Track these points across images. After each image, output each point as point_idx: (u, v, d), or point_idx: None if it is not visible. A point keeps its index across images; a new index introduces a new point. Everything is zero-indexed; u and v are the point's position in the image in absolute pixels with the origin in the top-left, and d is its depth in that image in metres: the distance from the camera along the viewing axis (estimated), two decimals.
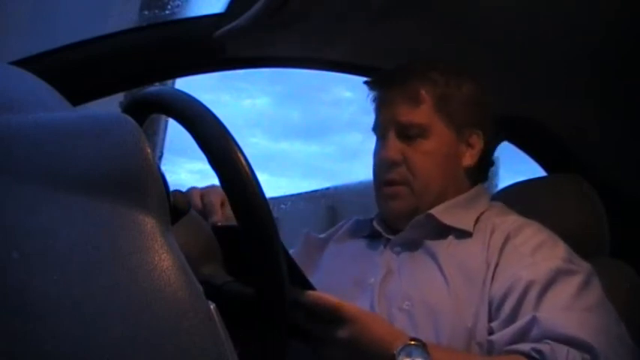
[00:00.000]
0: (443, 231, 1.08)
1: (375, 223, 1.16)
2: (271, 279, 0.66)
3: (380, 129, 1.15)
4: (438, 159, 1.11)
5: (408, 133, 1.10)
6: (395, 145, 1.10)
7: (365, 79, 1.28)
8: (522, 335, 0.90)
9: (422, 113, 1.10)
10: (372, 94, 1.19)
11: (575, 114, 1.47)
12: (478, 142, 1.14)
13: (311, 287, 0.83)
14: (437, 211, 1.08)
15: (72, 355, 0.38)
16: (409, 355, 0.81)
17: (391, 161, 1.10)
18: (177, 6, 1.72)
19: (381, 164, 1.12)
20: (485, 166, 1.19)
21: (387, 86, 1.15)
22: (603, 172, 1.49)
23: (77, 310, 0.38)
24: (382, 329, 0.85)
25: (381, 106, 1.16)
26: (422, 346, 0.81)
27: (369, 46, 1.38)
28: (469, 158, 1.14)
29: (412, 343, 0.82)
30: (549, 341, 0.87)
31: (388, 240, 1.13)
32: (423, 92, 1.11)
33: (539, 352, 0.86)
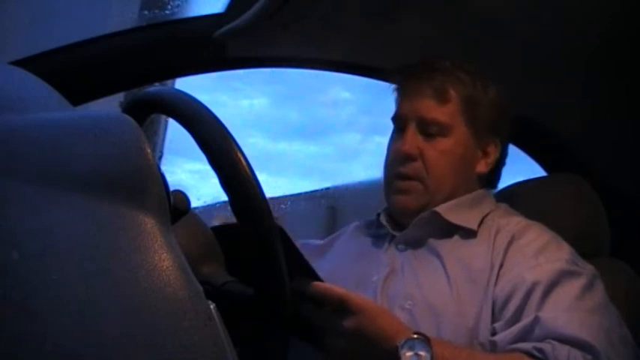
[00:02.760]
0: (448, 230, 1.08)
1: (381, 218, 1.16)
2: (272, 279, 0.66)
3: (400, 120, 1.13)
4: (454, 159, 1.10)
5: (429, 130, 1.09)
6: (413, 139, 1.09)
7: (365, 78, 1.28)
8: (525, 335, 0.90)
9: (447, 112, 1.09)
10: (394, 85, 1.17)
11: (575, 114, 1.47)
12: (494, 151, 1.14)
13: (318, 278, 0.83)
14: (442, 209, 1.08)
15: (72, 355, 0.37)
16: (412, 348, 0.81)
17: (407, 155, 1.09)
18: (177, 6, 1.72)
19: (397, 157, 1.11)
20: (496, 175, 1.18)
21: (414, 79, 1.13)
22: (603, 172, 1.49)
23: (77, 310, 0.38)
24: (387, 322, 0.85)
25: (405, 97, 1.14)
26: (425, 340, 0.82)
27: (369, 46, 1.38)
28: (484, 165, 1.14)
29: (415, 337, 0.82)
30: (551, 341, 0.87)
31: (393, 237, 1.13)
32: (451, 91, 1.10)
33: (540, 350, 0.86)
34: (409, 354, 0.81)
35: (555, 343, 0.87)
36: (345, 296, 0.82)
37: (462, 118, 1.10)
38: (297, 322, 0.75)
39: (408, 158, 1.09)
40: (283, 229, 0.76)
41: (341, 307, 0.82)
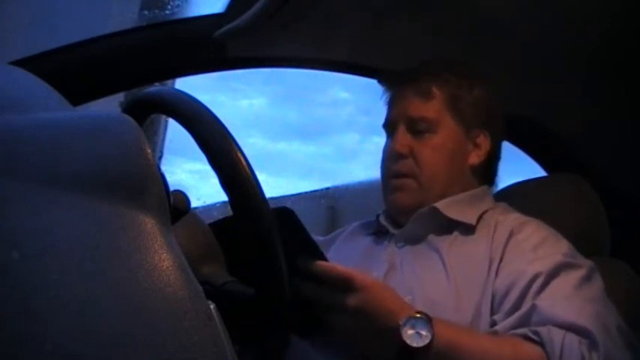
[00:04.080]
0: (447, 226, 1.09)
1: (381, 219, 1.17)
2: (272, 279, 0.66)
3: (390, 124, 1.17)
4: (445, 154, 1.12)
5: (418, 128, 1.12)
6: (404, 138, 1.12)
7: (366, 79, 1.27)
8: (523, 322, 0.91)
9: (432, 108, 1.12)
10: (385, 95, 1.21)
11: (575, 114, 1.47)
12: (485, 142, 1.15)
13: (323, 258, 0.84)
14: (441, 205, 1.09)
15: (72, 355, 0.37)
16: (413, 327, 0.82)
17: (399, 154, 1.12)
18: (177, 6, 1.72)
19: (390, 156, 1.14)
20: (492, 168, 1.19)
21: (400, 83, 1.18)
22: (603, 172, 1.49)
23: (77, 310, 0.38)
24: (390, 300, 0.85)
25: (393, 102, 1.18)
26: (427, 319, 0.82)
27: (369, 46, 1.38)
28: (475, 157, 1.15)
29: (418, 315, 0.83)
30: (548, 326, 0.88)
31: (393, 235, 1.14)
32: (434, 88, 1.13)
33: (535, 333, 0.88)
34: (410, 332, 0.82)
35: (552, 327, 0.87)
36: (349, 274, 0.83)
37: (448, 113, 1.13)
38: (300, 304, 0.75)
39: (400, 156, 1.12)
40: (291, 209, 0.76)
41: (345, 285, 0.82)
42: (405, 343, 0.81)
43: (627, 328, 0.94)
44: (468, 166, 1.15)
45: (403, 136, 1.12)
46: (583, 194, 1.28)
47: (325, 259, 0.84)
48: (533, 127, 1.56)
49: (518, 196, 1.28)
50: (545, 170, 1.62)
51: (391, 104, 1.18)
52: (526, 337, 0.88)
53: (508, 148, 1.59)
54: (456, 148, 1.13)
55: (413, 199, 1.12)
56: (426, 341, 0.81)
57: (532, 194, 1.32)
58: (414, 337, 0.81)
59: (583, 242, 1.11)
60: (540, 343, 0.87)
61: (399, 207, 1.14)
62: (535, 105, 1.50)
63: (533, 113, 1.53)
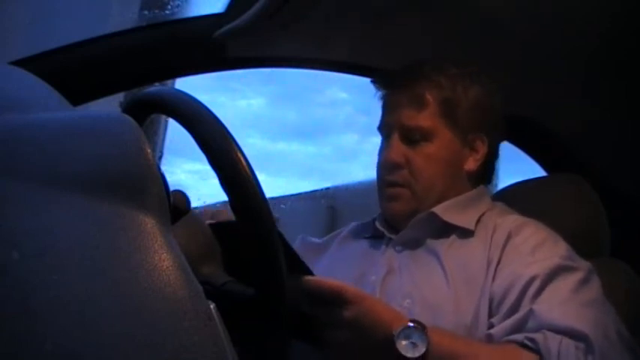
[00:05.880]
0: (445, 230, 1.08)
1: (377, 223, 1.17)
2: (271, 279, 0.66)
3: (385, 129, 1.16)
4: (441, 163, 1.11)
5: (412, 137, 1.11)
6: (398, 147, 1.11)
7: (364, 79, 1.27)
8: (519, 327, 0.91)
9: (426, 117, 1.10)
10: (379, 93, 1.19)
11: (575, 114, 1.47)
12: (482, 147, 1.14)
13: (310, 273, 0.84)
14: (439, 210, 1.09)
15: (72, 355, 0.37)
16: (408, 337, 0.82)
17: (394, 163, 1.11)
18: (177, 6, 1.72)
19: (384, 166, 1.14)
20: (489, 170, 1.19)
21: (393, 88, 1.16)
22: (603, 172, 1.49)
23: (77, 310, 0.38)
24: (384, 311, 0.85)
25: (387, 107, 1.16)
26: (421, 328, 0.82)
27: (369, 46, 1.38)
28: (472, 163, 1.14)
29: (411, 325, 0.83)
30: (545, 331, 0.88)
31: (390, 239, 1.13)
32: (428, 96, 1.11)
33: (531, 340, 0.87)
34: (405, 342, 0.82)
35: (548, 333, 0.87)
36: (340, 288, 0.82)
37: (443, 120, 1.11)
38: (294, 320, 0.75)
39: (395, 166, 1.11)
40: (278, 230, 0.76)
41: (338, 298, 0.82)
42: (400, 353, 0.81)
43: (627, 332, 0.93)
44: (464, 172, 1.14)
45: (398, 145, 1.11)
46: (583, 194, 1.28)
47: (312, 274, 0.84)
48: (533, 127, 1.56)
49: (518, 196, 1.28)
50: (545, 170, 1.62)
51: (385, 108, 1.17)
52: (523, 345, 0.87)
53: (508, 148, 1.60)
54: (452, 155, 1.12)
55: (407, 207, 1.11)
56: (422, 351, 0.81)
57: (532, 194, 1.32)
58: (409, 347, 0.82)
59: (583, 242, 1.11)
60: (537, 351, 0.86)
61: (394, 215, 1.14)
62: (535, 105, 1.50)
63: (533, 113, 1.53)
